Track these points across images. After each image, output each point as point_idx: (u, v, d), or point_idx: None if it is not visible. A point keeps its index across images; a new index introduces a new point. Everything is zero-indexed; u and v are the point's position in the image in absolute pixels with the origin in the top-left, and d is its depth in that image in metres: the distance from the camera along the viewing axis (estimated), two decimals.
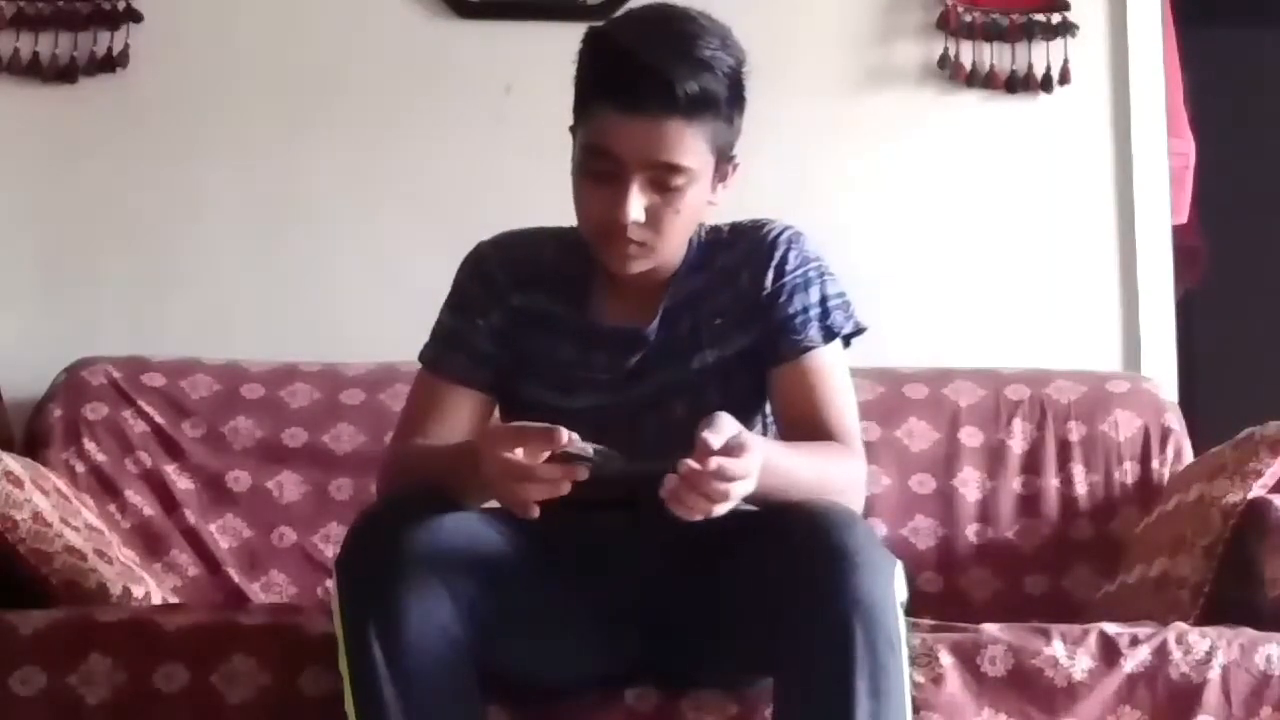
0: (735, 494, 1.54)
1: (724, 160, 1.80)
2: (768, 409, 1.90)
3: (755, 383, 1.87)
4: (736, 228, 1.89)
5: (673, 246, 1.82)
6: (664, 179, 1.75)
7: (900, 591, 1.65)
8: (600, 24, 1.82)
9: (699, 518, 1.54)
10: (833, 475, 1.74)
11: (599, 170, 1.76)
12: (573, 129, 1.83)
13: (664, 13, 1.78)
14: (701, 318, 1.87)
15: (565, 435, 1.56)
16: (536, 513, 1.58)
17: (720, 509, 1.54)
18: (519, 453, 1.57)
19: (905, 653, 1.62)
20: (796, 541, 1.62)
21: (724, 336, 1.87)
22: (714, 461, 1.52)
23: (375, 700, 1.62)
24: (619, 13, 1.84)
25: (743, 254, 1.87)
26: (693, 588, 1.71)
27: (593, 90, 1.76)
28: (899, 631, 1.62)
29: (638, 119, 1.72)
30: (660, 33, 1.73)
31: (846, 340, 1.89)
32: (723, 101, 1.75)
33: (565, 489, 1.57)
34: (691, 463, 1.51)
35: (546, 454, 1.57)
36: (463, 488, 1.71)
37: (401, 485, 1.77)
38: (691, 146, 1.74)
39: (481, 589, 1.67)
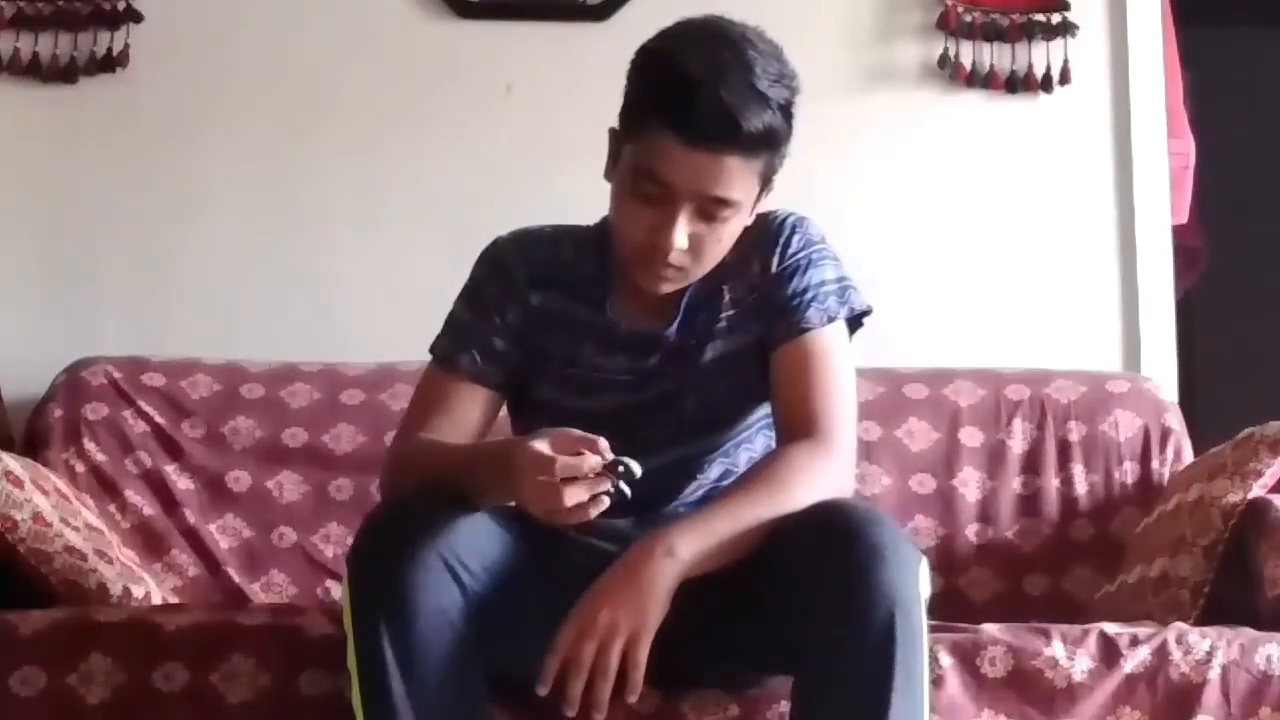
0: (610, 660, 1.58)
1: (765, 187, 1.80)
2: None
3: (765, 371, 1.86)
4: None
5: (705, 269, 1.82)
6: (712, 210, 1.75)
7: (925, 588, 1.65)
8: (661, 41, 1.77)
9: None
10: (792, 483, 1.70)
11: (647, 193, 1.74)
12: (617, 136, 1.80)
13: (727, 36, 1.74)
14: (717, 312, 1.88)
15: (605, 445, 1.58)
16: (583, 516, 1.58)
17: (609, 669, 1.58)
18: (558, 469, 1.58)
19: (926, 651, 1.62)
20: (830, 539, 1.61)
21: (737, 327, 1.87)
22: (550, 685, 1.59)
23: (384, 696, 1.61)
24: (673, 27, 1.77)
25: (752, 243, 1.86)
26: (702, 588, 1.71)
27: (653, 113, 1.72)
28: (923, 629, 1.62)
29: (699, 152, 1.70)
30: (728, 63, 1.70)
31: (853, 326, 1.89)
32: (781, 138, 1.75)
33: (602, 504, 1.58)
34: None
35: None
36: (482, 489, 1.70)
37: (411, 481, 1.77)
38: (744, 181, 1.74)
39: (490, 588, 1.67)
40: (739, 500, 1.70)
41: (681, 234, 1.74)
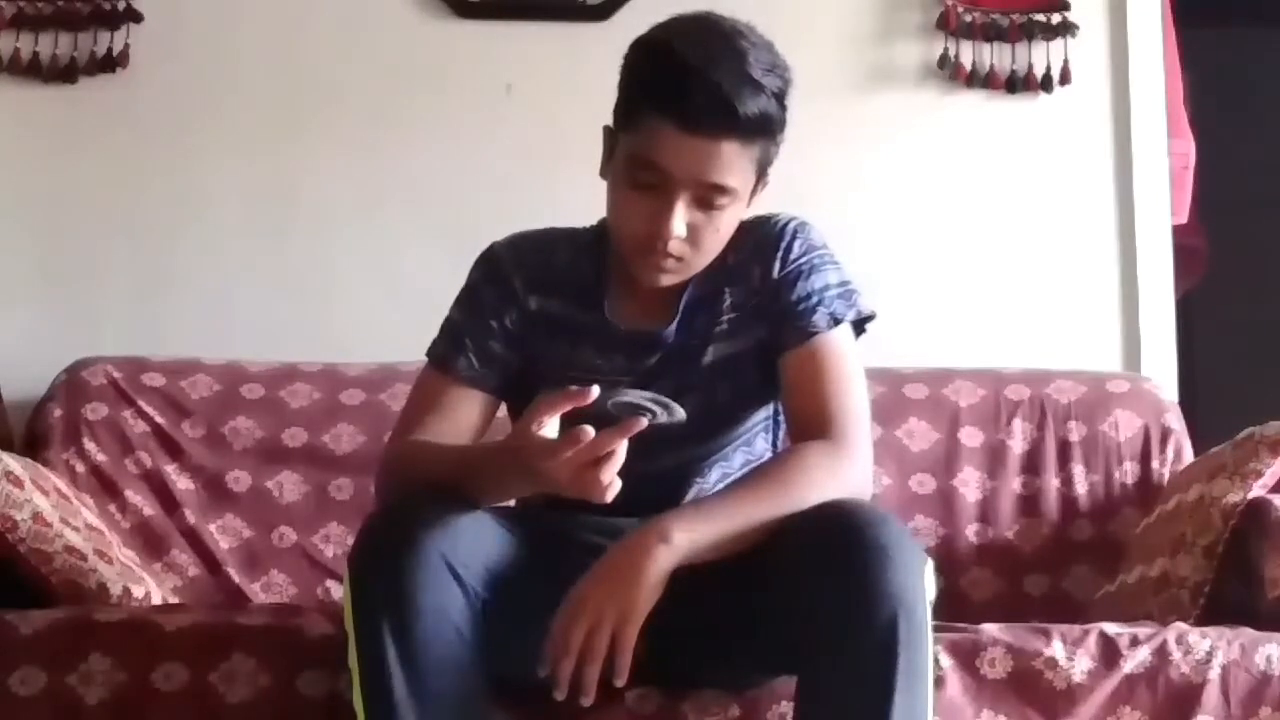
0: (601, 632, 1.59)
1: (761, 178, 1.81)
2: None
3: (765, 374, 1.86)
4: (745, 224, 1.88)
5: (705, 261, 1.83)
6: (709, 198, 1.75)
7: (930, 589, 1.65)
8: (654, 33, 1.78)
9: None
10: (801, 482, 1.70)
11: (644, 182, 1.75)
12: (612, 132, 1.81)
13: (720, 28, 1.76)
14: (716, 315, 1.88)
15: (593, 392, 1.57)
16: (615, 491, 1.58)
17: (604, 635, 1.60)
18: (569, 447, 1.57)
19: (930, 652, 1.62)
20: (834, 539, 1.61)
21: (738, 331, 1.88)
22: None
23: (385, 696, 1.61)
24: (666, 21, 1.78)
25: (752, 247, 1.87)
26: (705, 588, 1.71)
27: (649, 102, 1.73)
28: (928, 630, 1.61)
29: (695, 138, 1.71)
30: (722, 51, 1.71)
31: (858, 330, 1.89)
32: (776, 125, 1.76)
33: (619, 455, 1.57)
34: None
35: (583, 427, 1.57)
36: (480, 491, 1.70)
37: (406, 482, 1.77)
38: (740, 168, 1.75)
39: (492, 588, 1.67)
40: (743, 494, 1.70)
41: (680, 222, 1.75)
